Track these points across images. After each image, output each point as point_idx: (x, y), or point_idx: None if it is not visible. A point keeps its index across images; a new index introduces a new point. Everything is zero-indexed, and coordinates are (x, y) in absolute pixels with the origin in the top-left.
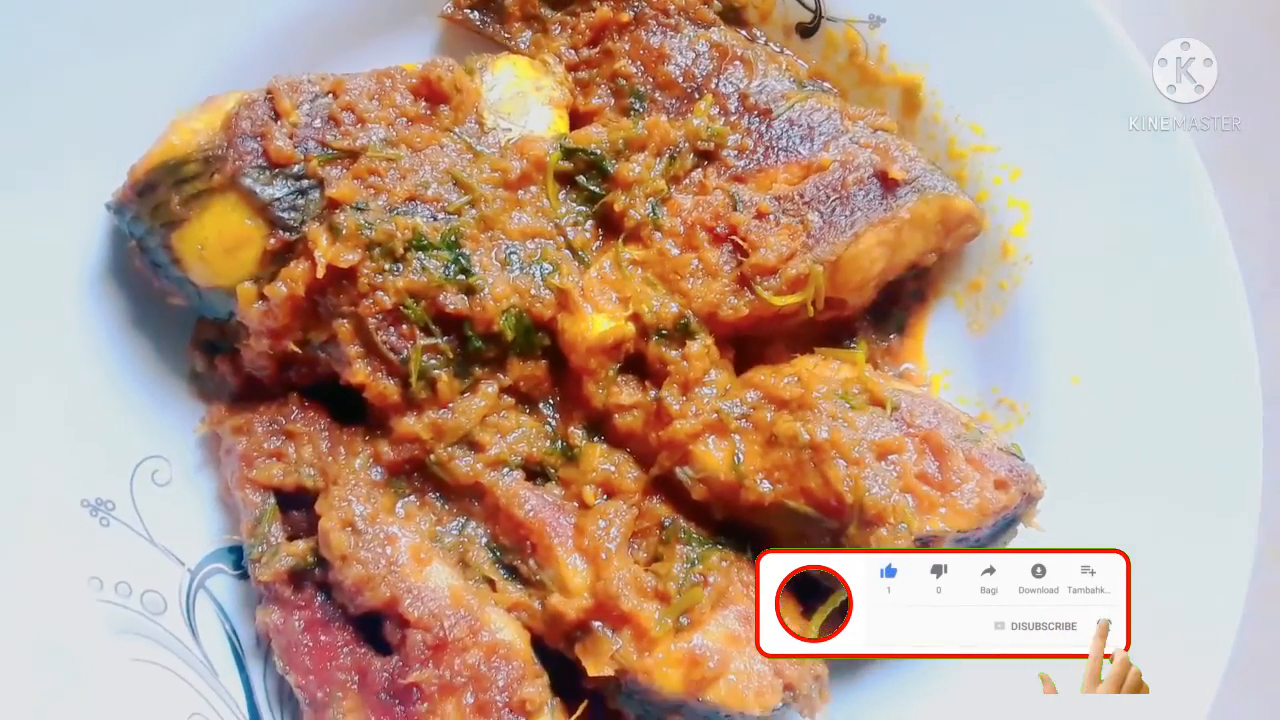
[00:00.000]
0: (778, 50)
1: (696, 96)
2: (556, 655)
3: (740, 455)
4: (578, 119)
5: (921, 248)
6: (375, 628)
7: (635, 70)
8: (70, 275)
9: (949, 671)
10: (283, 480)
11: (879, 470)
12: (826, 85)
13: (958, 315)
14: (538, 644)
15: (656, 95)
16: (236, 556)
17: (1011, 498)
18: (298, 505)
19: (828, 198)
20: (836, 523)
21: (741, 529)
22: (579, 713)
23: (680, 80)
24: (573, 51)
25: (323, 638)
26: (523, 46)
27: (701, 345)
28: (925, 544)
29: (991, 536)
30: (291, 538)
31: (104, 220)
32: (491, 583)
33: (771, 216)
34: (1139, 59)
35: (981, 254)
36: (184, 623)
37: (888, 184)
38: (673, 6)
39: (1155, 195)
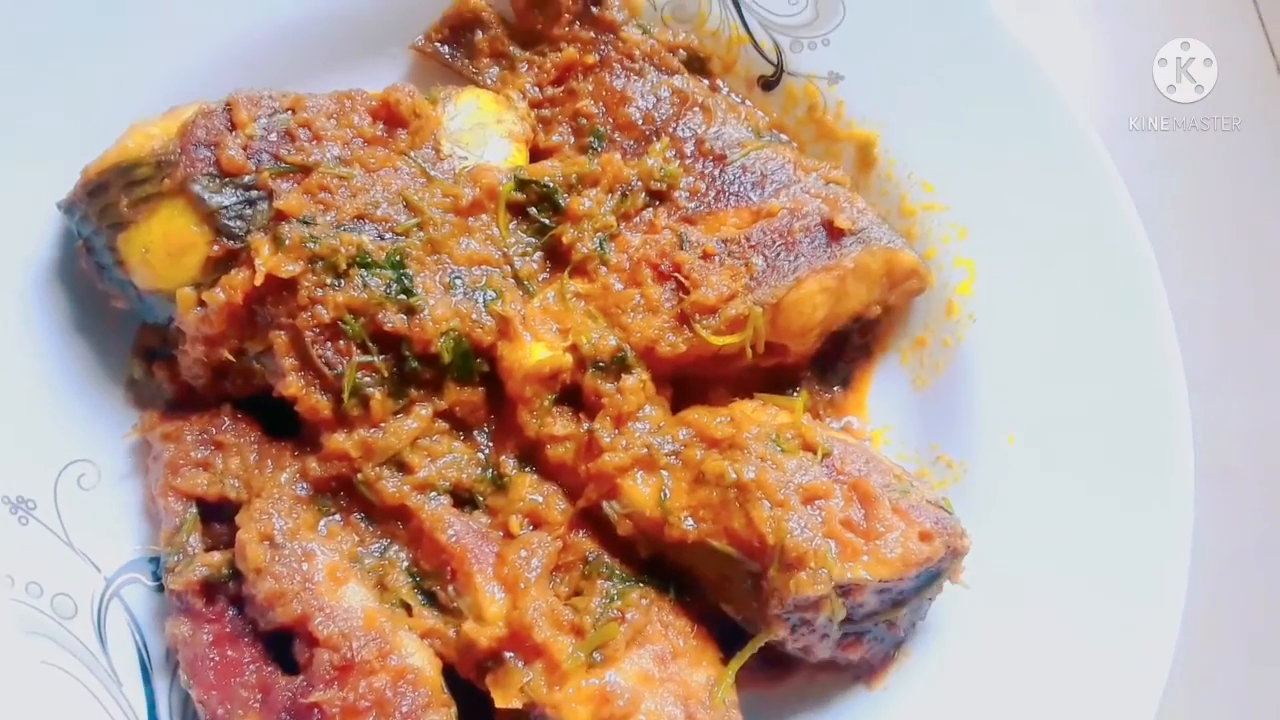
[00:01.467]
0: (739, 101)
1: (654, 139)
2: (469, 687)
3: (667, 492)
4: (537, 155)
5: (865, 299)
6: (285, 646)
7: (597, 111)
8: (17, 273)
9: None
10: (206, 490)
11: (804, 514)
12: (784, 137)
13: (902, 371)
14: (450, 674)
15: (616, 136)
16: (156, 567)
17: (935, 550)
18: (221, 518)
19: (773, 243)
20: (758, 564)
21: (666, 569)
22: None
23: (640, 123)
24: (537, 89)
25: (230, 653)
26: (489, 82)
27: (637, 380)
28: (846, 591)
29: (915, 590)
30: (211, 550)
31: (56, 221)
32: (408, 607)
33: (716, 258)
34: (1089, 128)
35: (927, 310)
36: (93, 629)
37: (834, 233)
38: (638, 52)
39: (1097, 261)
